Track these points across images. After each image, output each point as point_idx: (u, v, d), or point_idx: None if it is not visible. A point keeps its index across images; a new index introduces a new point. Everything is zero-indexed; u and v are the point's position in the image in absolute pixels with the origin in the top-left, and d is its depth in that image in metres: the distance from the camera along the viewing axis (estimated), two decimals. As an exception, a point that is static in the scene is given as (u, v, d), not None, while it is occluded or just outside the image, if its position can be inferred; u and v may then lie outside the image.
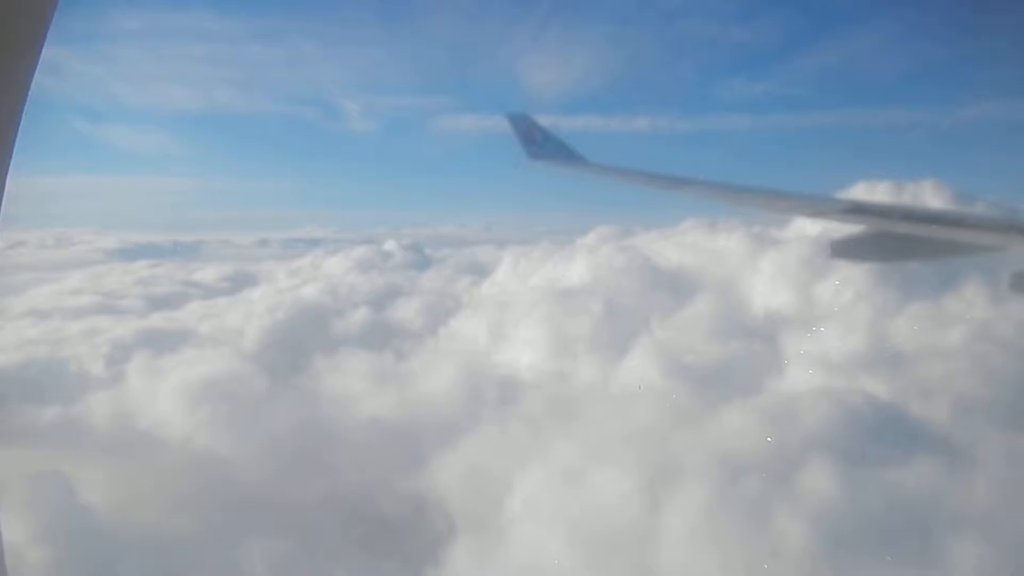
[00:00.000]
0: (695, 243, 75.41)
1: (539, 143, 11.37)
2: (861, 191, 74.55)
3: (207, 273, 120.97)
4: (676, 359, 48.98)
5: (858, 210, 6.93)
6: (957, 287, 57.28)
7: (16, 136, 2.41)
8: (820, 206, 7.72)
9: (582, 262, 75.12)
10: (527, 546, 29.89)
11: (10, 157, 2.39)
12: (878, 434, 34.36)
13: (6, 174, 2.40)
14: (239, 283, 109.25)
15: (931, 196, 74.12)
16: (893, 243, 6.34)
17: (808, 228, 74.12)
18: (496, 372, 53.32)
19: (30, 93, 2.37)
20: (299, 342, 63.57)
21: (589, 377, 51.10)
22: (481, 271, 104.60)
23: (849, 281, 59.57)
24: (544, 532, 30.14)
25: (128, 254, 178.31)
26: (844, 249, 6.78)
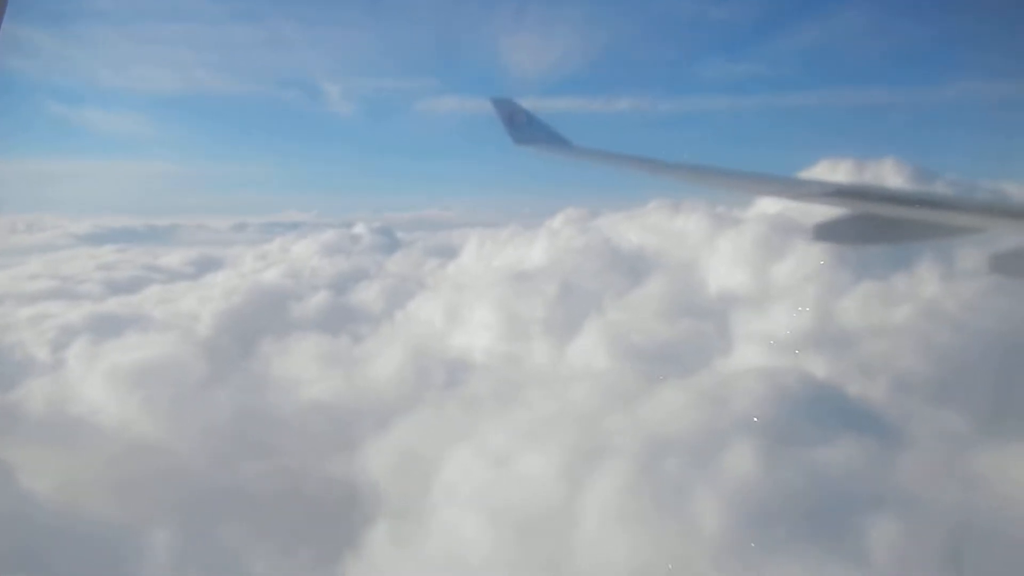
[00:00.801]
0: (656, 224, 74.96)
1: (523, 127, 11.35)
2: (823, 169, 74.62)
3: (173, 258, 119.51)
4: (625, 339, 48.59)
5: (842, 193, 6.98)
6: (915, 267, 57.19)
7: None
8: (804, 189, 7.80)
9: (542, 244, 74.57)
10: (450, 529, 29.43)
11: None
12: (812, 414, 34.04)
13: None
14: (204, 268, 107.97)
15: (890, 174, 74.16)
16: (876, 225, 6.34)
17: (769, 208, 74.13)
18: (446, 354, 52.75)
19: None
20: (252, 326, 62.71)
21: (537, 358, 50.68)
22: (450, 254, 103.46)
23: (806, 261, 59.34)
24: (468, 515, 29.67)
25: (99, 239, 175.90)
26: (827, 232, 6.71)
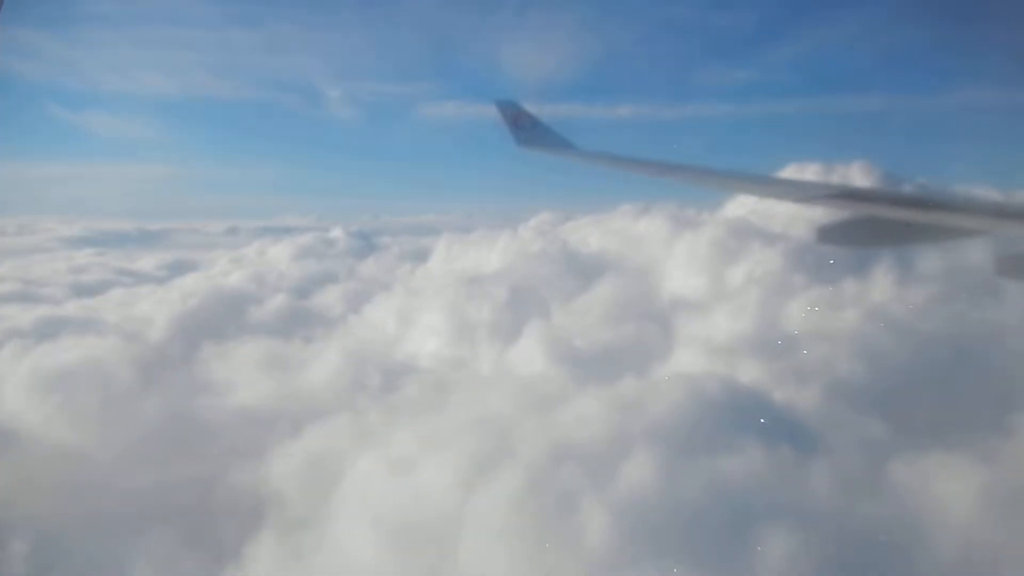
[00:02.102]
0: (621, 228, 74.18)
1: (527, 130, 11.30)
2: (791, 172, 73.78)
3: (148, 262, 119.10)
4: (565, 344, 47.70)
5: (845, 195, 6.93)
6: (872, 272, 56.37)
7: None
8: (807, 191, 7.57)
9: (502, 249, 73.75)
10: (340, 539, 28.53)
11: None
12: (728, 421, 33.03)
13: None
14: (178, 271, 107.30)
15: (859, 177, 73.26)
16: (879, 228, 6.27)
17: (737, 213, 73.28)
18: (388, 359, 51.94)
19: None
20: (202, 330, 61.81)
21: (476, 363, 49.85)
22: (424, 258, 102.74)
23: (762, 265, 58.49)
24: (362, 525, 28.75)
25: (88, 242, 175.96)
26: (831, 235, 6.59)
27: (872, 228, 6.27)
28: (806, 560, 25.30)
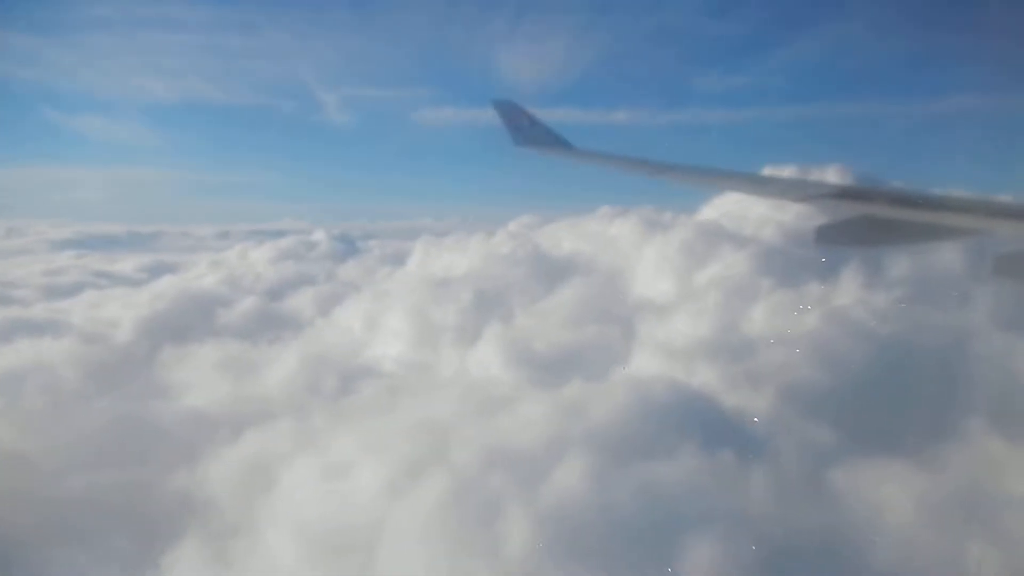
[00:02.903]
0: (594, 231, 73.66)
1: (525, 129, 11.25)
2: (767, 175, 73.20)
3: (128, 264, 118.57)
4: (523, 347, 47.10)
5: (844, 195, 6.90)
6: (841, 275, 55.90)
7: None
8: (805, 190, 7.47)
9: (476, 252, 73.20)
10: (270, 543, 27.89)
11: None
12: (678, 425, 32.47)
13: None
14: (157, 274, 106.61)
15: (833, 180, 72.76)
16: (879, 228, 6.22)
17: (714, 214, 72.81)
18: (348, 363, 51.31)
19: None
20: (167, 332, 61.19)
21: (435, 367, 49.27)
22: (404, 262, 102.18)
23: (732, 268, 57.99)
24: (295, 528, 28.10)
25: (75, 245, 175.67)
26: (830, 235, 6.58)
27: (870, 228, 6.23)
28: (734, 567, 24.73)
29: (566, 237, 74.66)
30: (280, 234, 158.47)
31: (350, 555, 26.61)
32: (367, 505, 27.97)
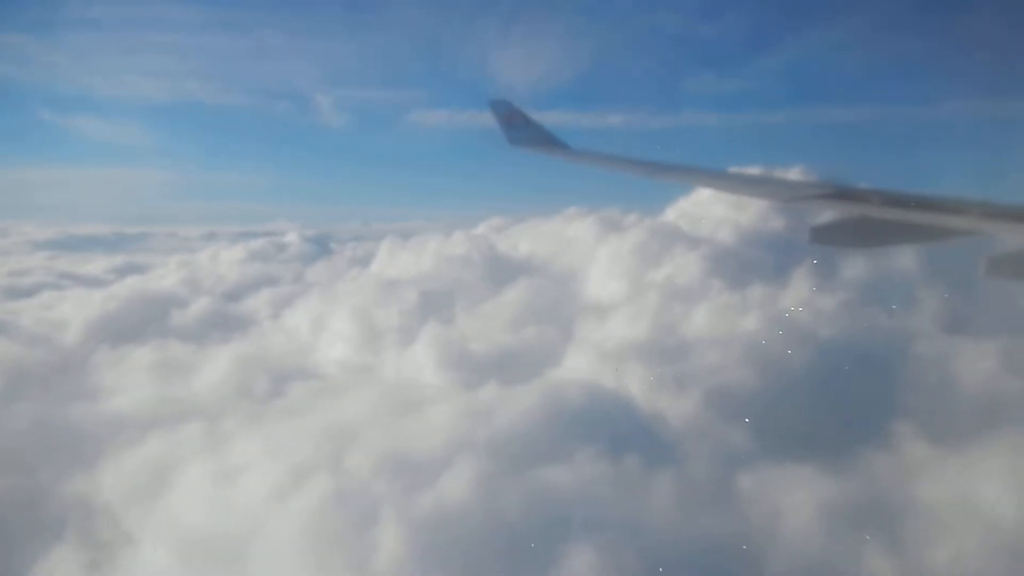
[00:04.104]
0: (553, 232, 72.82)
1: (520, 129, 11.29)
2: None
3: (99, 265, 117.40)
4: (459, 350, 46.20)
5: (840, 195, 6.85)
6: (791, 278, 55.05)
7: None
8: (799, 191, 7.44)
9: (433, 254, 72.34)
10: (151, 549, 26.90)
11: None
12: (589, 428, 31.59)
13: None
14: (124, 275, 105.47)
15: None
16: (874, 228, 6.23)
17: (676, 215, 71.96)
18: (285, 365, 50.33)
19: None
20: (112, 334, 60.12)
21: (369, 369, 48.33)
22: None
23: (683, 270, 57.16)
24: (179, 532, 27.12)
25: (56, 245, 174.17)
26: (825, 235, 6.52)
27: (865, 228, 6.24)
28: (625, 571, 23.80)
29: (525, 238, 73.81)
30: (266, 236, 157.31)
31: (223, 562, 25.64)
32: (249, 511, 26.98)
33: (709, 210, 68.89)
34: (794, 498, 28.14)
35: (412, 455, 29.06)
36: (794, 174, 76.80)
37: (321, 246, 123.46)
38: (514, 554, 24.24)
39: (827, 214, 6.63)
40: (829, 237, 6.48)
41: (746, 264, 57.20)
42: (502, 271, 61.94)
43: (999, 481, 28.44)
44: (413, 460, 28.45)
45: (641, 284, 55.82)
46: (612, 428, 31.79)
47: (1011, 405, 36.85)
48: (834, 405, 37.25)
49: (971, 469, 30.00)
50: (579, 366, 41.92)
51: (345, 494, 26.57)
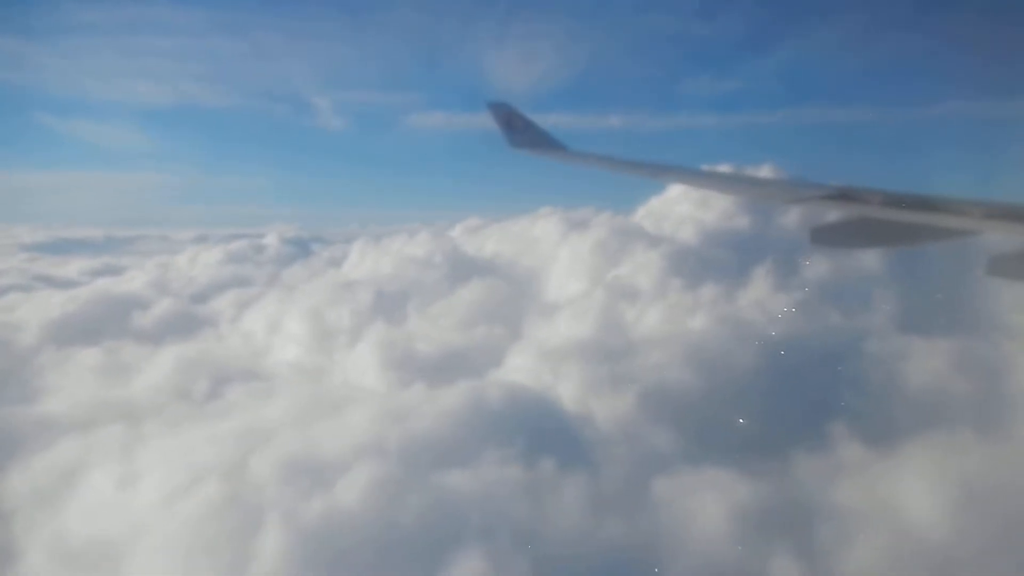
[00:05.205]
0: (519, 233, 71.96)
1: (520, 131, 11.31)
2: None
3: (73, 267, 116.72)
4: (405, 350, 45.37)
5: (840, 196, 6.71)
6: (751, 279, 54.23)
7: None
8: (797, 192, 7.30)
9: (394, 255, 71.56)
10: (34, 555, 26.04)
11: None
12: (510, 432, 30.69)
13: None
14: (100, 277, 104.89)
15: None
16: (874, 229, 6.18)
17: (644, 214, 71.08)
18: (232, 366, 49.51)
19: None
20: (69, 336, 59.40)
21: (318, 369, 47.51)
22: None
23: (641, 269, 56.30)
24: (69, 538, 26.28)
25: (44, 248, 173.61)
26: (826, 236, 6.53)
27: (865, 229, 6.20)
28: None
29: (493, 238, 72.96)
30: (258, 238, 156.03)
31: (99, 569, 24.80)
32: (138, 517, 26.13)
33: (677, 209, 68.08)
34: (704, 503, 27.21)
35: (318, 458, 28.17)
36: (764, 172, 76.46)
37: (301, 248, 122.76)
38: (400, 559, 23.37)
39: (828, 215, 6.61)
40: (830, 238, 6.49)
41: (708, 263, 56.37)
42: (462, 271, 61.09)
43: (922, 483, 27.56)
44: (316, 464, 27.55)
45: (598, 283, 54.93)
46: (531, 431, 30.86)
47: (961, 404, 36.02)
48: (775, 407, 36.40)
49: (898, 472, 29.11)
50: (520, 366, 41.07)
51: (237, 499, 25.68)
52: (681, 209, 67.92)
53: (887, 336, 45.38)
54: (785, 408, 36.52)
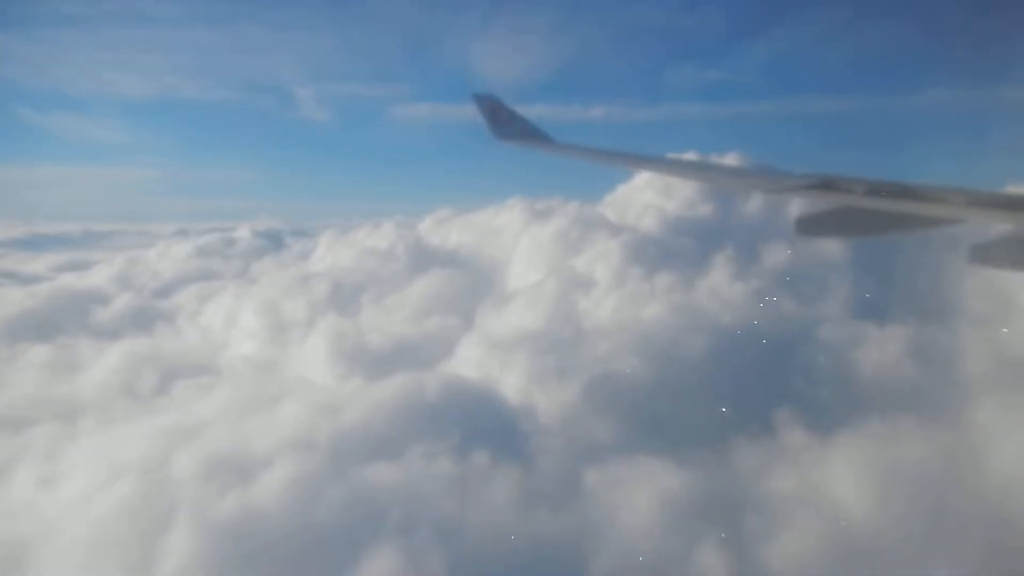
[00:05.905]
0: (484, 223, 71.27)
1: (505, 123, 11.22)
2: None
3: (42, 263, 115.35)
4: (354, 343, 44.75)
5: (824, 185, 6.55)
6: (711, 268, 53.86)
7: None
8: (782, 182, 7.25)
9: (355, 246, 70.80)
10: None
11: None
12: (444, 424, 30.15)
13: None
14: (66, 271, 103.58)
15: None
16: (859, 218, 6.12)
17: (612, 204, 70.54)
18: (183, 361, 48.73)
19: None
20: (22, 332, 58.39)
21: (269, 363, 46.81)
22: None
23: (601, 258, 55.78)
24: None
25: (17, 244, 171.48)
26: (810, 226, 6.45)
27: (850, 218, 6.19)
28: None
29: (459, 229, 72.27)
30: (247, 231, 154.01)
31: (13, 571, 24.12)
32: (53, 515, 25.44)
33: (641, 198, 67.57)
34: (637, 493, 26.80)
35: (244, 454, 27.55)
36: (729, 159, 75.95)
37: (274, 241, 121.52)
38: (314, 556, 22.82)
39: (811, 205, 6.58)
40: (814, 228, 6.47)
41: (669, 252, 55.93)
42: (423, 263, 60.43)
43: (857, 471, 27.29)
44: (240, 459, 26.93)
45: (555, 273, 54.39)
46: (468, 423, 30.36)
47: (914, 391, 35.84)
48: (723, 397, 35.98)
49: (834, 459, 28.83)
50: (469, 358, 40.52)
51: (151, 497, 25.01)
52: (645, 197, 67.41)
53: (844, 323, 45.11)
54: (732, 397, 36.11)
